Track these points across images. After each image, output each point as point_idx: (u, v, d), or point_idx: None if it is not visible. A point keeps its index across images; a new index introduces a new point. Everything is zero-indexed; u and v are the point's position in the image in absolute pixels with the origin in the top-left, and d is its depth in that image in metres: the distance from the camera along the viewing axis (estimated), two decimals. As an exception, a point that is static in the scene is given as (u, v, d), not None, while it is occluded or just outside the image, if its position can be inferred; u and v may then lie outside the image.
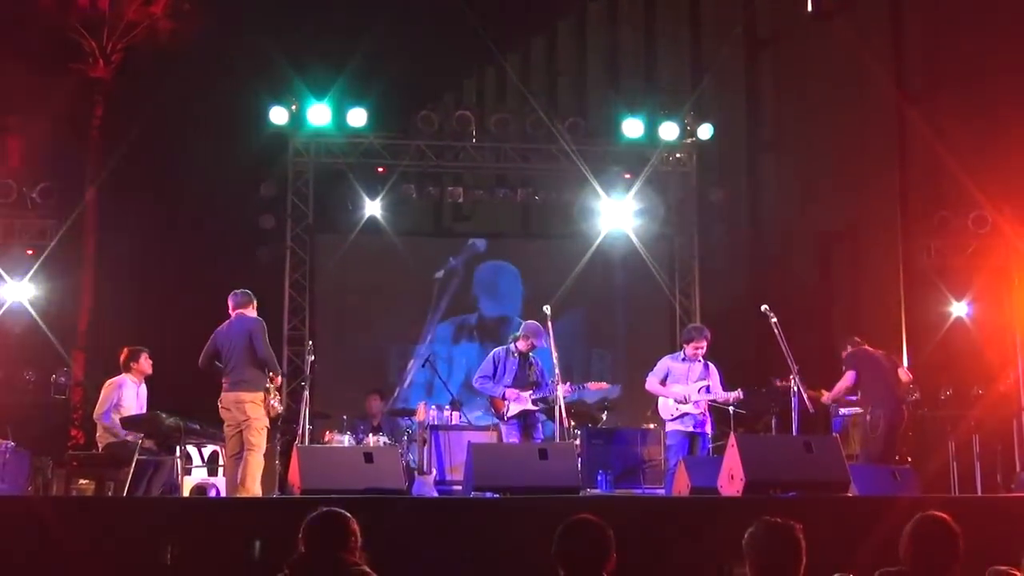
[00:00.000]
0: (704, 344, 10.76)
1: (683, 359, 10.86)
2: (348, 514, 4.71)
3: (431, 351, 14.93)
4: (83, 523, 6.98)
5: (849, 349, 11.01)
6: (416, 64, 15.16)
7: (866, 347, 11.02)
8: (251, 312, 9.79)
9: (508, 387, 10.91)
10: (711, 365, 10.89)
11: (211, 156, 14.24)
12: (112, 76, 14.57)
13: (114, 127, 14.54)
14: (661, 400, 10.85)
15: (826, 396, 11.07)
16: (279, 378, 9.83)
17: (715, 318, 13.89)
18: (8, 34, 13.80)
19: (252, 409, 9.42)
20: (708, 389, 10.73)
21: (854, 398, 11.30)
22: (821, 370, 11.57)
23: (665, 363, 10.96)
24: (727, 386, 10.83)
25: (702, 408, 10.71)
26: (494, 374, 11.02)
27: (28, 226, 14.21)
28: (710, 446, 10.90)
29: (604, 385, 11.79)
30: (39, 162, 14.06)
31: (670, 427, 10.79)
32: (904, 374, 11.37)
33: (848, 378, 10.77)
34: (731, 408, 11.19)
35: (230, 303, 9.78)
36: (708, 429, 10.79)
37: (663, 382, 10.81)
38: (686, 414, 10.66)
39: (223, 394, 9.55)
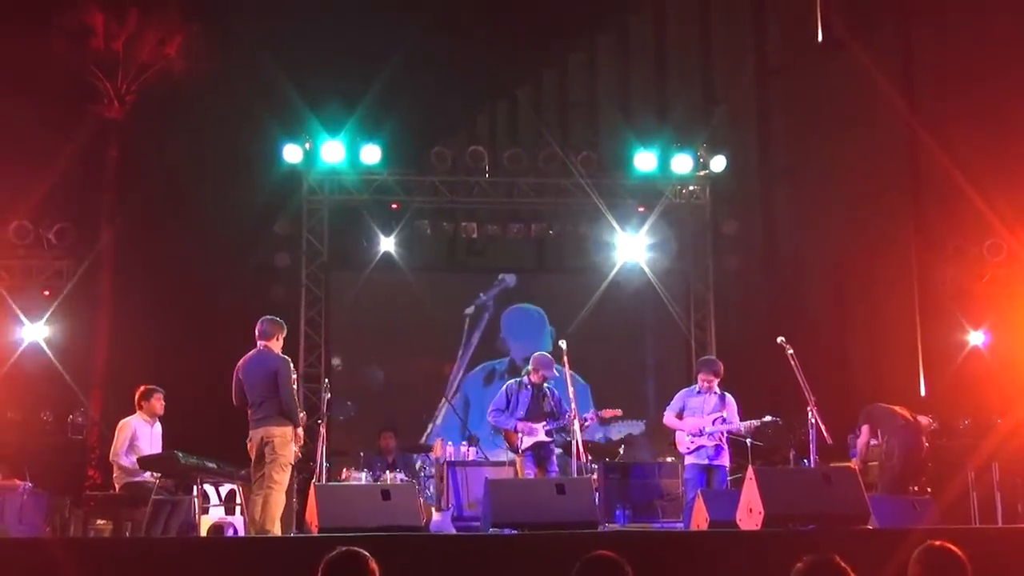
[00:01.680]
0: (712, 377, 10.67)
1: (698, 392, 10.80)
2: (366, 553, 4.68)
3: (458, 389, 14.96)
4: (101, 564, 6.95)
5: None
6: (429, 100, 15.29)
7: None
8: (276, 344, 9.26)
9: (521, 419, 10.84)
10: (727, 396, 10.80)
11: (225, 195, 14.35)
12: (126, 117, 14.69)
13: (129, 167, 14.68)
14: (678, 433, 10.78)
15: (855, 462, 11.28)
16: (299, 429, 9.14)
17: (730, 350, 13.83)
18: (24, 76, 13.94)
19: (280, 445, 8.89)
20: (724, 420, 10.65)
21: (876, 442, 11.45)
22: (838, 401, 11.54)
23: (681, 397, 10.90)
24: (744, 418, 10.75)
25: (716, 440, 10.60)
26: (507, 406, 10.96)
27: (44, 267, 14.32)
28: (728, 479, 10.81)
29: (618, 412, 11.59)
30: (55, 203, 14.14)
31: (687, 460, 10.71)
32: (924, 418, 11.52)
33: (864, 432, 11.36)
34: (748, 440, 11.12)
35: (256, 331, 9.26)
36: (725, 461, 10.69)
37: (679, 415, 10.76)
38: (701, 447, 10.56)
39: (251, 431, 9.05)
